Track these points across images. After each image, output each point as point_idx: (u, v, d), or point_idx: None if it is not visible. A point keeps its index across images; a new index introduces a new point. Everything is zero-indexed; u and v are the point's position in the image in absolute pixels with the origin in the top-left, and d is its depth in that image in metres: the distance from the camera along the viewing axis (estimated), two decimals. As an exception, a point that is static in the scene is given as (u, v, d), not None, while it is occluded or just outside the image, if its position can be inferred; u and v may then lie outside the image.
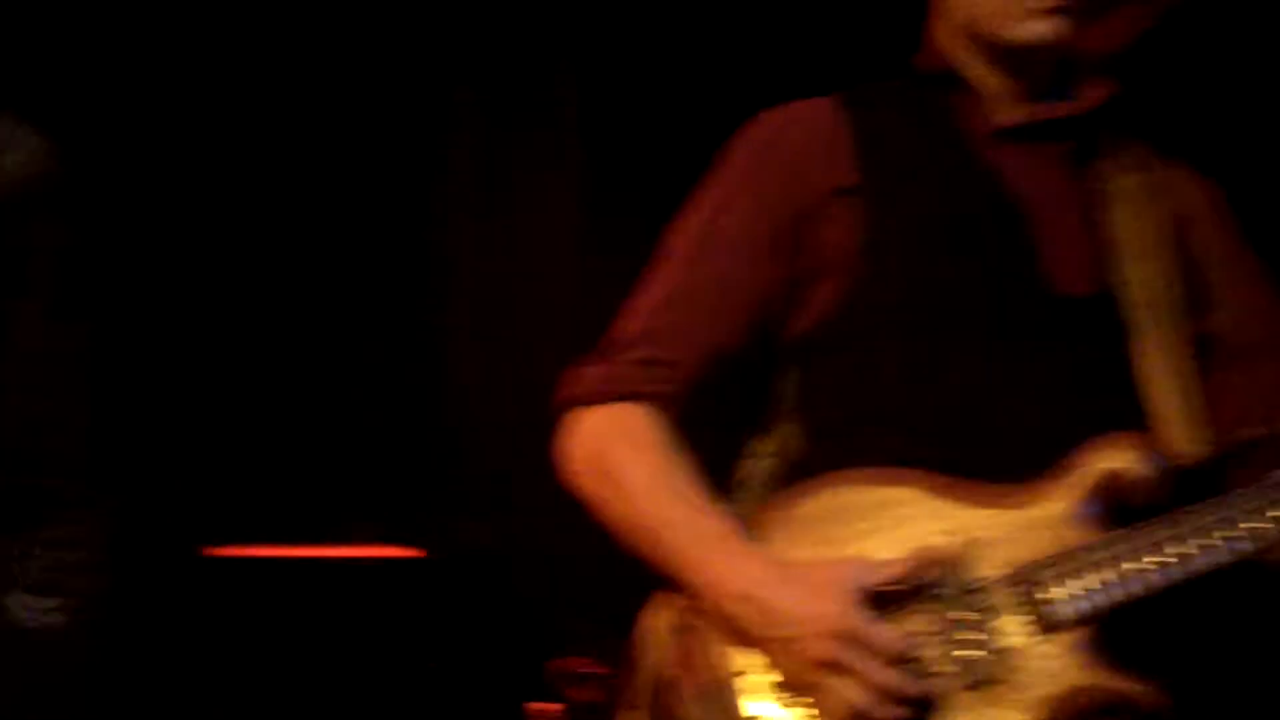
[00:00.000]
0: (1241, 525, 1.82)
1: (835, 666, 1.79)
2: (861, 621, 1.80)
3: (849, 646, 1.79)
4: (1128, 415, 1.92)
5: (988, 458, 1.88)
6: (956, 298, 1.95)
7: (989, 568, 1.83)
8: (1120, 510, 1.85)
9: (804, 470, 1.96)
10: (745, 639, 1.84)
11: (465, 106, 4.39)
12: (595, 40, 4.30)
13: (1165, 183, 2.08)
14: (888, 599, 1.82)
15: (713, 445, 2.06)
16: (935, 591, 1.82)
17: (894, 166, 2.01)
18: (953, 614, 1.82)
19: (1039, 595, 1.82)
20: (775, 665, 1.83)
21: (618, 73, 4.26)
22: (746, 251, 2.01)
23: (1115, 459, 1.85)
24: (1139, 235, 2.00)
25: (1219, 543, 1.81)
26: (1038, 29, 1.98)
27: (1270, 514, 1.83)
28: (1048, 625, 1.81)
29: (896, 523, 1.86)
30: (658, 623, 1.94)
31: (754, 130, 2.08)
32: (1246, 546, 1.82)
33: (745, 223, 2.02)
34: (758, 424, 2.05)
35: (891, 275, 1.96)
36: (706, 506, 1.92)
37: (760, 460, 2.04)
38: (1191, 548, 1.81)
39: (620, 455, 1.96)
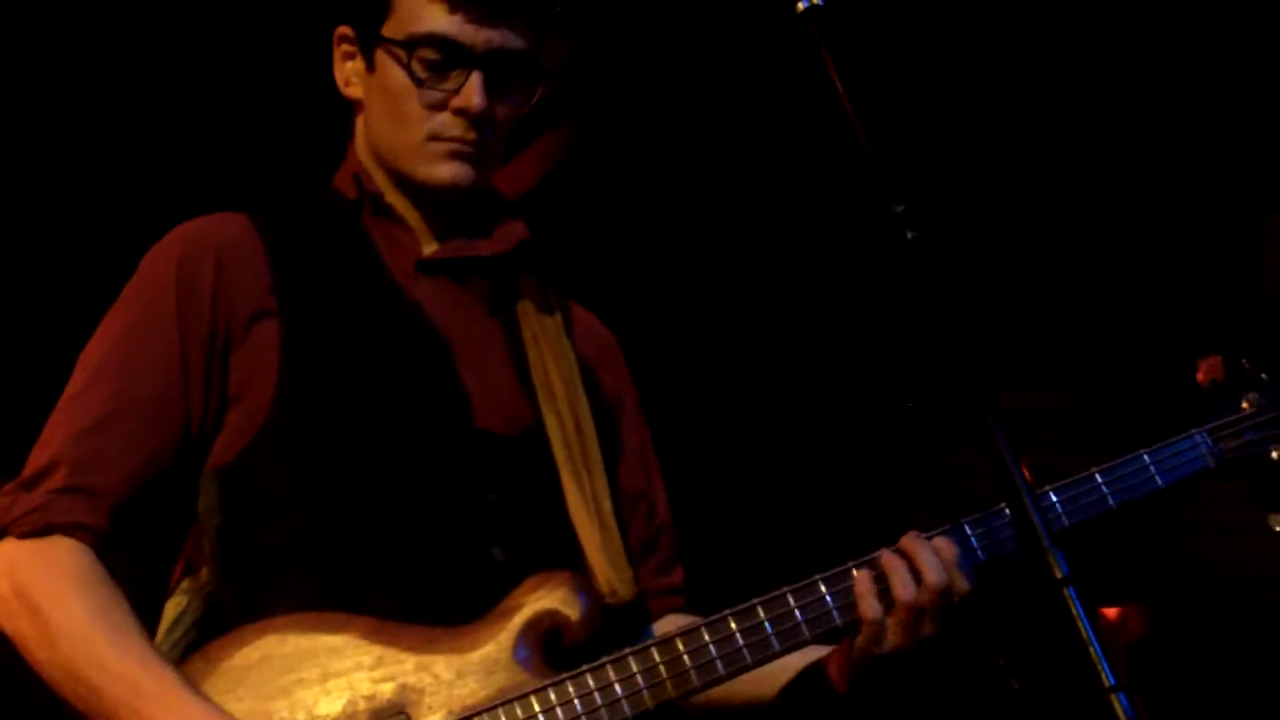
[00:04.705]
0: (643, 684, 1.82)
1: None
2: None
3: None
4: (561, 554, 1.93)
5: (419, 600, 1.85)
6: (375, 431, 1.92)
7: (426, 716, 1.80)
8: (558, 650, 1.85)
9: (232, 612, 1.88)
10: None
11: None
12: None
13: (573, 327, 2.14)
14: None
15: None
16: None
17: (312, 292, 1.97)
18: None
19: None
20: None
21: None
22: (169, 374, 1.92)
23: (547, 599, 1.85)
24: (553, 377, 2.04)
25: (643, 691, 1.82)
26: (441, 173, 2.01)
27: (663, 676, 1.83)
28: None
29: (331, 671, 1.81)
30: None
31: (169, 248, 1.98)
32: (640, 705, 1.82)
33: (167, 344, 1.93)
34: (186, 559, 1.97)
35: (306, 405, 1.91)
36: (144, 654, 1.81)
37: (187, 599, 1.95)
38: (619, 694, 1.81)
39: (48, 593, 1.83)
